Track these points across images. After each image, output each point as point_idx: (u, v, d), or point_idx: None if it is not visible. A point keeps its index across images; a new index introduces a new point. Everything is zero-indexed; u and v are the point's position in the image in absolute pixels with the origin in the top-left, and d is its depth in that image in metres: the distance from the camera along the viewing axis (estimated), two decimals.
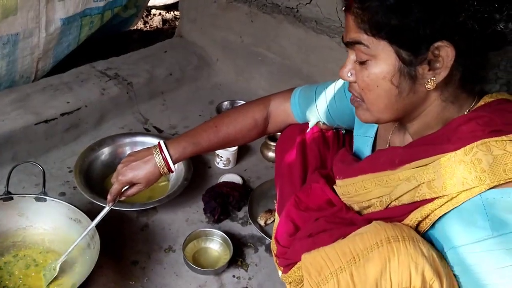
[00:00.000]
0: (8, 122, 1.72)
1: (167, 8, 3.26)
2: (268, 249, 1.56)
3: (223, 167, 1.87)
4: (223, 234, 1.52)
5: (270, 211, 1.65)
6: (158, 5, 3.24)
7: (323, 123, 1.33)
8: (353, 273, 0.86)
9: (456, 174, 0.84)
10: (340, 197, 1.13)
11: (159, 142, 1.29)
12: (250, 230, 1.62)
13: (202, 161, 1.90)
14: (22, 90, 1.91)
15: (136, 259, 1.46)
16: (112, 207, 1.32)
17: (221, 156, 1.85)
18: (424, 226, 0.90)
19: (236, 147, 1.85)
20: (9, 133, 1.69)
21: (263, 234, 1.57)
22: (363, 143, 1.18)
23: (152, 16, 3.15)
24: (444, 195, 0.85)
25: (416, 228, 0.91)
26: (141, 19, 3.02)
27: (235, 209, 1.68)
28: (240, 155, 1.91)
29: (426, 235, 0.91)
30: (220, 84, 2.42)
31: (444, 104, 0.92)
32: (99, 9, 2.15)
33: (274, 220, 1.62)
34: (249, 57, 2.34)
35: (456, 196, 0.84)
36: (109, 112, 2.01)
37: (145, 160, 1.28)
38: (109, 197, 1.31)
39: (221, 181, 1.78)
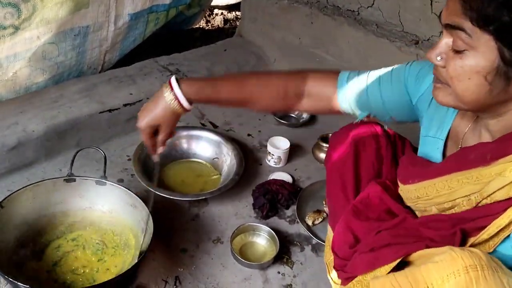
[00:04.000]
0: (75, 110, 1.82)
1: (229, 8, 3.32)
2: (314, 249, 1.57)
3: (274, 165, 1.89)
4: (270, 230, 1.54)
5: (319, 212, 1.66)
6: (220, 5, 3.32)
7: (374, 116, 1.24)
8: None
9: None
10: (412, 201, 1.08)
11: (170, 79, 1.18)
12: (297, 229, 1.63)
13: (253, 158, 1.93)
14: (89, 80, 2.02)
15: (185, 247, 1.51)
16: (164, 195, 1.34)
17: (273, 154, 1.87)
18: None
19: (288, 146, 1.87)
20: (75, 119, 1.79)
21: (310, 234, 1.58)
22: (432, 146, 1.11)
23: (214, 15, 3.23)
24: None
25: (507, 226, 0.87)
26: (204, 18, 3.10)
27: (283, 207, 1.70)
28: (292, 154, 1.93)
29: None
30: None
31: None
32: (165, 6, 2.23)
33: (321, 221, 1.63)
34: (307, 59, 2.35)
35: None
36: None
37: (156, 101, 1.18)
38: (149, 149, 1.27)
39: (271, 178, 1.80)
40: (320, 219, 1.63)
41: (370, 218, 1.13)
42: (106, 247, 1.39)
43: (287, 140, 1.90)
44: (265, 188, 1.71)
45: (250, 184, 1.77)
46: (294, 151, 1.95)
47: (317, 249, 1.56)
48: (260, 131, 2.09)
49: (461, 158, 0.97)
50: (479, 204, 0.92)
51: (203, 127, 2.05)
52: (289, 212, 1.70)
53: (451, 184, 0.96)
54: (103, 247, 1.39)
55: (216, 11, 3.28)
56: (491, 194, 0.88)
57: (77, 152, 1.41)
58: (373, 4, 2.12)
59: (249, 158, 1.90)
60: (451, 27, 0.85)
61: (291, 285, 1.44)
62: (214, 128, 2.07)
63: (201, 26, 3.07)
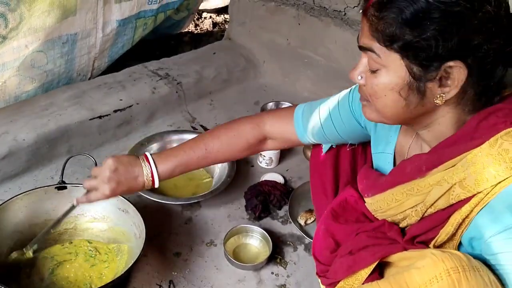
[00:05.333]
0: (65, 117, 1.82)
1: (218, 11, 3.34)
2: (307, 248, 1.58)
3: (266, 166, 1.90)
4: (263, 231, 1.55)
5: (311, 211, 1.67)
6: (209, 8, 3.33)
7: (336, 145, 1.30)
8: None
9: (486, 169, 0.82)
10: (373, 213, 1.11)
11: (145, 156, 1.23)
12: (290, 229, 1.64)
13: (245, 160, 1.94)
14: (78, 87, 2.02)
15: (179, 250, 1.52)
16: (157, 200, 1.36)
17: (264, 156, 1.88)
18: (463, 227, 0.88)
19: None
20: (65, 127, 1.79)
21: (303, 234, 1.59)
22: (383, 161, 1.15)
23: (203, 19, 3.24)
24: (479, 192, 0.83)
25: (456, 232, 0.90)
26: (192, 22, 3.11)
27: (275, 207, 1.71)
28: (283, 155, 1.94)
29: (464, 237, 0.90)
30: (266, 86, 2.46)
31: (459, 114, 0.91)
32: (152, 12, 2.24)
33: (314, 220, 1.64)
34: (296, 60, 2.37)
35: (491, 190, 0.82)
36: (159, 110, 2.09)
37: (134, 177, 1.20)
38: (83, 198, 1.21)
39: (263, 179, 1.81)
40: (312, 219, 1.64)
41: (348, 220, 1.15)
42: (99, 253, 1.40)
43: None
44: (257, 189, 1.72)
45: (242, 186, 1.78)
46: (285, 152, 1.96)
47: (310, 248, 1.57)
48: None
49: (400, 171, 1.01)
50: (425, 214, 0.95)
51: (194, 130, 2.06)
52: (281, 213, 1.71)
53: (397, 196, 1.00)
54: (96, 254, 1.40)
55: (204, 14, 3.29)
56: (433, 203, 0.92)
57: (67, 160, 1.41)
58: (359, 4, 2.13)
59: (240, 160, 1.91)
60: (363, 49, 0.90)
61: (285, 285, 1.45)
62: (205, 131, 2.08)
63: (190, 30, 3.08)
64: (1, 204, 1.31)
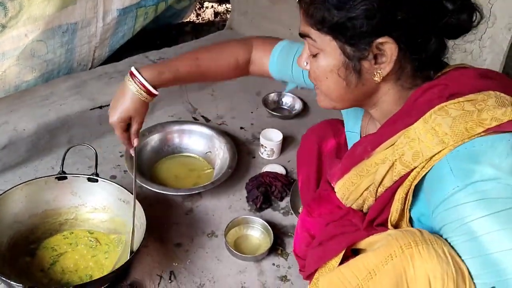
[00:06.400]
0: (65, 107, 1.81)
1: (220, 1, 3.31)
2: None
3: (267, 158, 1.89)
4: (264, 222, 1.54)
5: None
6: None
7: (301, 88, 1.35)
8: None
9: (422, 143, 0.84)
10: (342, 202, 1.12)
11: (130, 70, 1.22)
12: (291, 220, 1.64)
13: (246, 151, 1.93)
14: (79, 77, 2.00)
15: (180, 241, 1.51)
16: (158, 190, 1.36)
17: (265, 147, 1.87)
18: (408, 202, 0.91)
19: (280, 138, 1.87)
20: (66, 117, 1.78)
21: None
22: (353, 139, 1.18)
23: (204, 8, 3.21)
24: (416, 166, 0.86)
25: (404, 208, 0.92)
26: (194, 12, 3.09)
27: (277, 199, 1.70)
28: (284, 146, 1.93)
29: (414, 213, 0.93)
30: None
31: (401, 91, 0.94)
32: (153, 1, 2.22)
33: None
34: None
35: (426, 164, 0.84)
36: (160, 101, 2.08)
37: (123, 93, 1.22)
38: (125, 145, 1.32)
39: (264, 171, 1.80)
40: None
41: (322, 214, 1.16)
42: (100, 244, 1.40)
43: (280, 132, 1.90)
44: (259, 180, 1.71)
45: (243, 177, 1.77)
46: (287, 143, 1.95)
47: None
48: (253, 124, 2.09)
49: (351, 154, 1.04)
50: (378, 194, 0.97)
51: (195, 121, 2.05)
52: (283, 204, 1.70)
53: (353, 180, 1.02)
54: (97, 244, 1.39)
55: (206, 4, 3.26)
56: (381, 182, 0.94)
57: (67, 150, 1.40)
58: None
59: (242, 151, 1.90)
60: (302, 36, 0.95)
61: (286, 276, 1.45)
62: (206, 122, 2.07)
63: (192, 20, 3.06)
64: (0, 194, 1.30)
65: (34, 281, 1.26)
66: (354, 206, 1.08)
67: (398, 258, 0.82)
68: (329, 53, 0.91)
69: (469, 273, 0.79)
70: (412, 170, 0.87)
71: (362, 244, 0.99)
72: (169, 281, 1.37)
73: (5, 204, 1.31)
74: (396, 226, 0.97)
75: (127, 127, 1.28)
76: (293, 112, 2.18)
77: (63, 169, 1.40)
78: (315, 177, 1.34)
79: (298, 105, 2.19)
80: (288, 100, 2.23)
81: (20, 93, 1.85)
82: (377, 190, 0.96)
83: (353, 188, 1.03)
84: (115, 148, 1.87)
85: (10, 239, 1.32)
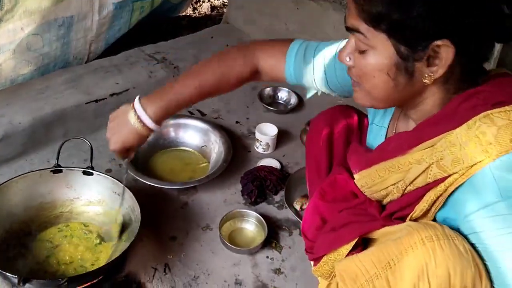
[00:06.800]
0: (61, 100, 1.81)
1: None
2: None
3: (262, 152, 1.90)
4: (258, 216, 1.56)
5: (307, 196, 1.67)
6: None
7: (322, 93, 1.28)
8: (389, 278, 0.86)
9: (463, 151, 0.83)
10: (361, 189, 1.12)
11: (133, 103, 1.19)
12: (286, 214, 1.65)
13: (242, 145, 1.94)
14: (75, 70, 2.01)
15: (174, 235, 1.52)
16: (153, 184, 1.37)
17: (261, 141, 1.88)
18: (438, 205, 0.90)
19: (276, 133, 1.88)
20: (62, 111, 1.79)
21: (298, 219, 1.60)
22: (376, 133, 1.16)
23: (201, 2, 3.21)
24: (454, 173, 0.84)
25: (430, 209, 0.92)
26: (191, 6, 3.08)
27: (271, 192, 1.71)
28: (280, 140, 1.94)
29: (439, 215, 0.92)
30: None
31: (445, 94, 0.91)
32: None
33: None
34: None
35: (466, 172, 0.83)
36: None
37: (125, 126, 1.20)
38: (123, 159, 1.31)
39: (259, 165, 1.81)
40: (307, 204, 1.65)
41: (336, 199, 1.16)
42: (95, 236, 1.40)
43: (275, 127, 1.91)
44: (254, 174, 1.72)
45: (238, 171, 1.78)
46: (282, 137, 1.96)
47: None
48: (248, 118, 2.10)
49: (384, 148, 1.02)
50: (405, 191, 0.96)
51: (190, 115, 2.05)
52: (277, 198, 1.71)
53: (380, 173, 1.01)
54: (92, 237, 1.40)
55: None
56: (413, 181, 0.93)
57: (62, 143, 1.41)
58: None
59: (237, 145, 1.91)
60: (350, 30, 0.89)
61: (279, 269, 1.46)
62: (202, 116, 2.07)
63: (188, 14, 3.05)
64: None
65: (29, 273, 1.27)
66: (375, 196, 1.08)
67: (420, 250, 0.82)
68: (381, 52, 0.86)
69: (488, 274, 0.81)
70: (450, 175, 0.85)
71: (376, 234, 0.99)
72: (164, 273, 1.38)
73: (1, 197, 1.31)
74: (414, 221, 0.96)
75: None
76: (289, 106, 2.19)
77: (59, 163, 1.41)
78: (326, 160, 1.30)
79: (293, 100, 2.19)
80: (283, 94, 2.24)
81: (16, 86, 1.86)
82: (406, 188, 0.95)
83: (378, 180, 1.01)
84: None
85: (6, 232, 1.33)
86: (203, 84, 1.22)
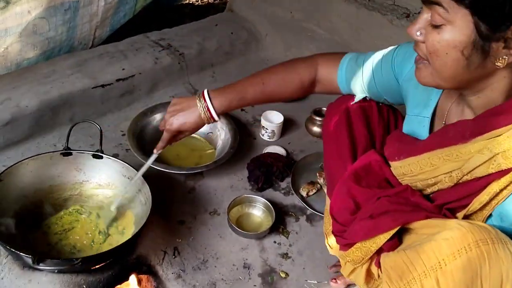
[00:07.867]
0: (67, 85, 1.81)
1: None
2: (308, 219, 1.60)
3: (268, 139, 1.91)
4: (266, 201, 1.57)
5: (312, 183, 1.68)
6: None
7: (370, 98, 1.29)
8: (439, 279, 0.83)
9: None
10: (399, 178, 1.10)
11: (203, 92, 1.29)
12: (292, 200, 1.66)
13: (247, 133, 1.94)
14: (80, 55, 2.00)
15: (183, 219, 1.53)
16: (160, 168, 1.38)
17: (266, 128, 1.89)
18: (500, 198, 0.88)
19: (281, 120, 1.89)
20: (68, 95, 1.78)
21: (305, 205, 1.61)
22: (417, 124, 1.13)
23: None
24: None
25: (489, 202, 0.90)
26: None
27: (278, 179, 1.73)
28: (285, 128, 1.95)
29: (496, 209, 0.90)
30: (268, 59, 2.44)
31: None
32: None
33: (315, 192, 1.66)
34: (298, 33, 2.36)
35: None
36: (161, 81, 2.08)
37: (190, 111, 1.29)
38: (160, 144, 1.37)
39: (265, 152, 1.82)
40: (314, 191, 1.66)
41: (371, 184, 1.14)
42: (104, 219, 1.41)
43: (281, 114, 1.92)
44: (260, 161, 1.73)
45: (244, 158, 1.79)
46: (287, 125, 1.97)
47: (311, 219, 1.60)
48: (254, 106, 2.10)
49: (442, 136, 1.00)
50: (460, 181, 0.95)
51: None
52: (283, 184, 1.72)
53: (433, 161, 0.99)
54: (101, 220, 1.40)
55: None
56: (471, 171, 0.91)
57: (73, 126, 1.41)
58: None
59: (243, 132, 1.92)
60: (429, 2, 0.86)
61: (287, 253, 1.48)
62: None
63: (191, 2, 3.05)
64: (8, 168, 1.31)
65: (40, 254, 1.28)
66: (418, 186, 1.06)
67: (474, 253, 0.80)
68: (459, 28, 0.83)
69: None
70: None
71: (415, 225, 0.97)
72: (173, 256, 1.39)
73: (11, 178, 1.31)
74: (467, 217, 0.95)
75: None
76: None
77: (68, 146, 1.41)
78: (348, 144, 1.27)
79: None
80: None
81: (22, 70, 1.85)
82: (461, 177, 0.94)
83: (429, 168, 1.00)
84: (116, 127, 1.87)
85: (16, 214, 1.33)
86: (266, 83, 1.30)
